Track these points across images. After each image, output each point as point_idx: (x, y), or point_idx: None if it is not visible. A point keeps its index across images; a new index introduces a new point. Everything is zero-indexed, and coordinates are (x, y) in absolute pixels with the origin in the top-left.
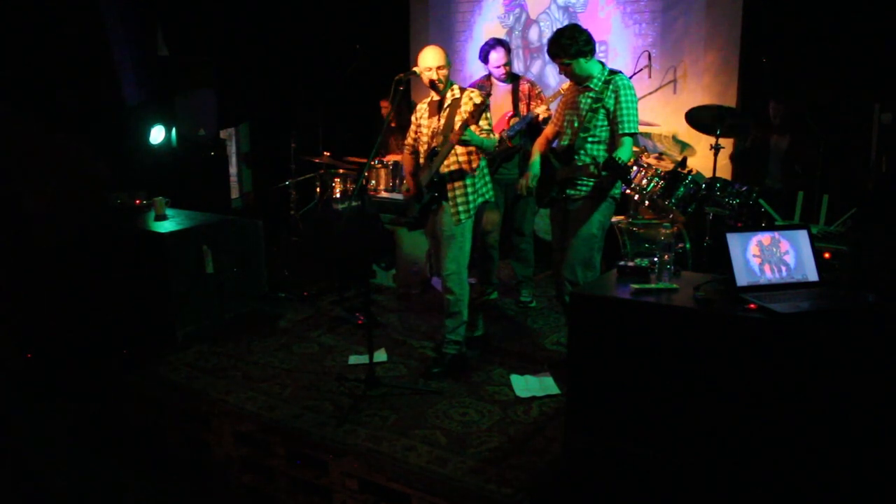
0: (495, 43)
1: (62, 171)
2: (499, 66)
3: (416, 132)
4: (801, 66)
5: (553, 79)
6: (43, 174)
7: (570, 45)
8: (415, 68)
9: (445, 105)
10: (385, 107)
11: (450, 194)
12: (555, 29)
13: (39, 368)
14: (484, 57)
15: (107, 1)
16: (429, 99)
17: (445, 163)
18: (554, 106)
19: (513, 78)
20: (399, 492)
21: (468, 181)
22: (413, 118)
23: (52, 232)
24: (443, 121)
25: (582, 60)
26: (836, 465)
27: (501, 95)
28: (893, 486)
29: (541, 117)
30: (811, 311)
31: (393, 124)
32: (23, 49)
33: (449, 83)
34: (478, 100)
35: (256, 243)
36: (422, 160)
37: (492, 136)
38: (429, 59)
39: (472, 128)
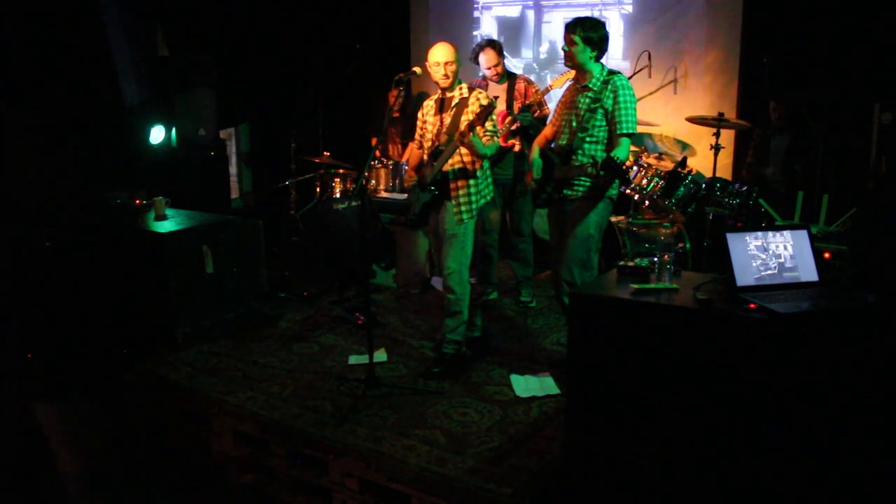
0: (485, 45)
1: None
2: (490, 68)
3: (421, 128)
4: (801, 66)
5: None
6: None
7: (592, 29)
8: (415, 68)
9: (452, 104)
10: (395, 95)
11: (453, 194)
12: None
13: (39, 368)
14: (475, 59)
15: (107, 1)
16: (436, 95)
17: (450, 161)
18: (552, 105)
19: (508, 77)
20: (399, 492)
21: (471, 181)
22: (419, 114)
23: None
24: (449, 119)
25: (588, 50)
26: (836, 464)
27: (496, 95)
28: (893, 486)
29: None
30: (811, 311)
31: (396, 113)
32: (23, 49)
33: (457, 81)
34: (485, 101)
35: (256, 243)
36: (425, 157)
37: (495, 139)
38: (438, 55)
39: (477, 129)
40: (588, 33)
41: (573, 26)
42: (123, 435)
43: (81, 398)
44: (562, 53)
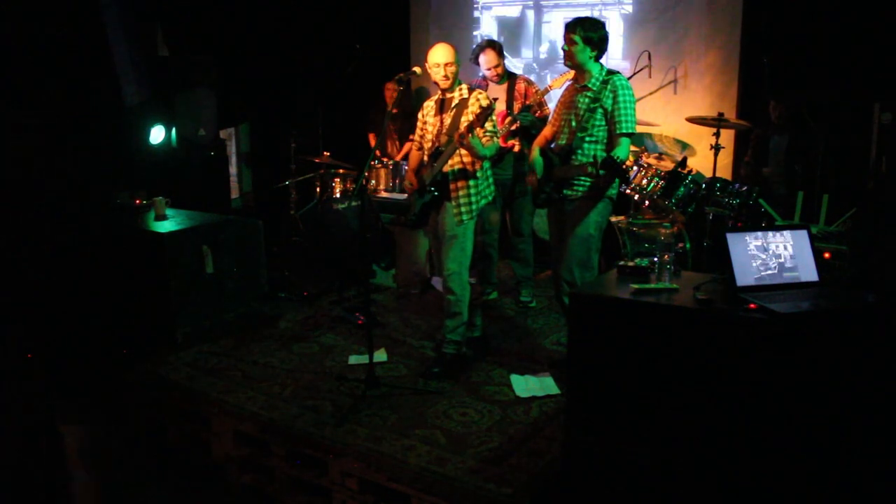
0: (486, 45)
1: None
2: (490, 69)
3: (421, 129)
4: (801, 66)
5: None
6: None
7: (592, 28)
8: (415, 68)
9: (452, 104)
10: (389, 89)
11: (453, 195)
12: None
13: (39, 368)
14: (475, 59)
15: (107, 1)
16: (436, 96)
17: (450, 162)
18: (552, 106)
19: (508, 77)
20: (399, 492)
21: (471, 182)
22: (419, 115)
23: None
24: (449, 120)
25: (588, 50)
26: (836, 464)
27: (497, 96)
28: (893, 486)
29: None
30: (811, 311)
31: (395, 110)
32: (23, 49)
33: (457, 82)
34: (484, 103)
35: (256, 243)
36: (425, 158)
37: (495, 139)
38: (438, 56)
39: (477, 131)
40: (588, 33)
41: (573, 26)
42: (125, 435)
43: (82, 399)
44: (562, 53)
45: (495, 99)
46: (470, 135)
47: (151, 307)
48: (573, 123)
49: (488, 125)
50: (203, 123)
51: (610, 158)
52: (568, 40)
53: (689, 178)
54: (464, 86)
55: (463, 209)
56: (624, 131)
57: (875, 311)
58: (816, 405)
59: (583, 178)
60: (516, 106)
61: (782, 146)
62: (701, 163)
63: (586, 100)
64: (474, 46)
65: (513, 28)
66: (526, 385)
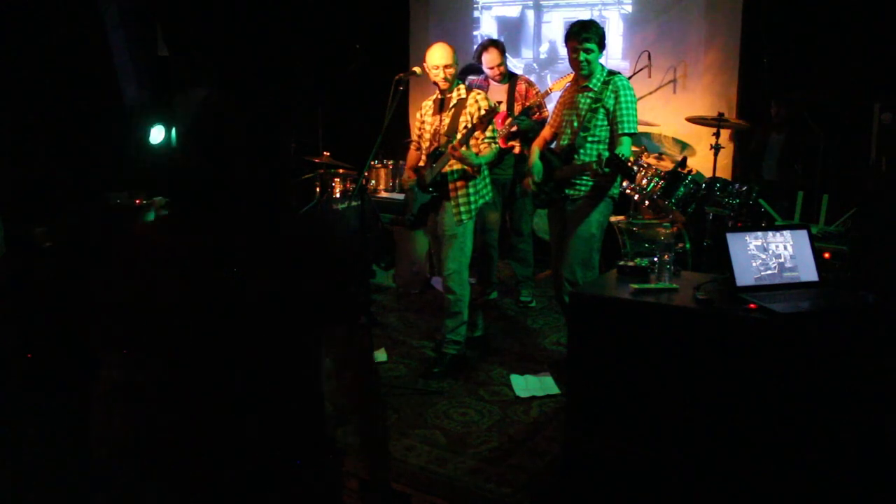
0: (489, 44)
1: None
2: (492, 67)
3: (420, 129)
4: (801, 66)
5: (552, 78)
6: None
7: (600, 32)
8: (415, 68)
9: (451, 104)
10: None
11: (452, 195)
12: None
13: (39, 368)
14: (478, 58)
15: (106, 0)
16: (434, 96)
17: (449, 163)
18: (551, 107)
19: (509, 77)
20: (399, 492)
21: (470, 182)
22: (417, 115)
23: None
24: (447, 120)
25: (599, 52)
26: (836, 464)
27: (497, 96)
28: (893, 486)
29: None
30: (811, 311)
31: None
32: (22, 49)
33: (455, 82)
34: (484, 104)
35: None
36: (423, 158)
37: (493, 145)
38: (436, 58)
39: (477, 135)
40: (599, 34)
41: (586, 33)
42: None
43: (81, 398)
44: (562, 53)
45: (499, 102)
46: (463, 147)
47: None
48: (575, 123)
49: (488, 131)
50: None
51: (615, 156)
52: (585, 50)
53: (689, 178)
54: (461, 86)
55: (462, 209)
56: (626, 131)
57: (875, 311)
58: (817, 405)
59: (585, 177)
60: (517, 107)
61: (782, 146)
62: (701, 163)
63: (587, 100)
64: (476, 45)
65: (513, 28)
66: (526, 385)
